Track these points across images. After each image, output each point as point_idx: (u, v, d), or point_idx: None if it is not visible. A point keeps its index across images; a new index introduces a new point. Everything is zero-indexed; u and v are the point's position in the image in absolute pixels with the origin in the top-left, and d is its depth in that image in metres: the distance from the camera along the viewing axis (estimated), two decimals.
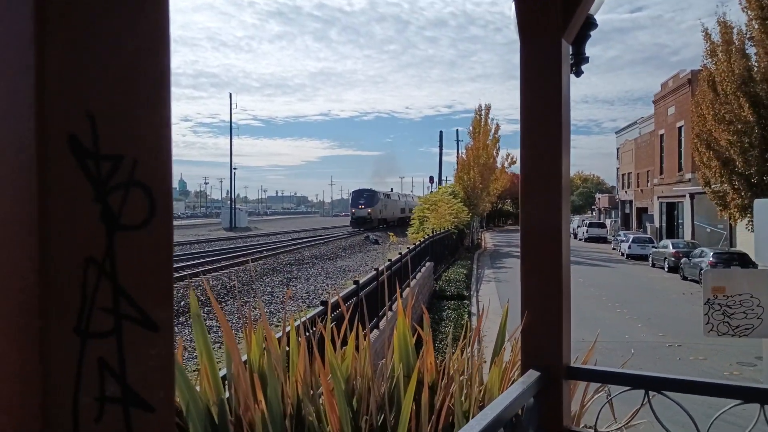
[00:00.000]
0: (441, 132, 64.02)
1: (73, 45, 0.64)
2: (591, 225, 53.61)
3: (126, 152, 0.69)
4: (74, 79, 0.64)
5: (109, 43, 0.67)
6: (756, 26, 20.89)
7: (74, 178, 0.64)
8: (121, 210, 0.68)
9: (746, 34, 21.59)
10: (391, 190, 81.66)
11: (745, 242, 26.08)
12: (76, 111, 0.64)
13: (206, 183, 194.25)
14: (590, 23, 4.22)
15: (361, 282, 8.53)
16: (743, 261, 22.38)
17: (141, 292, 0.70)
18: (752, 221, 18.94)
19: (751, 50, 21.60)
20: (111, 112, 0.67)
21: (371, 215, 60.59)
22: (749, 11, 20.92)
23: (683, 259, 26.22)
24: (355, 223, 61.02)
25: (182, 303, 15.21)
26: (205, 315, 13.59)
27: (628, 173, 56.59)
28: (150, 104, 0.72)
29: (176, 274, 20.09)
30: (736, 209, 22.35)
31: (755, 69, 21.14)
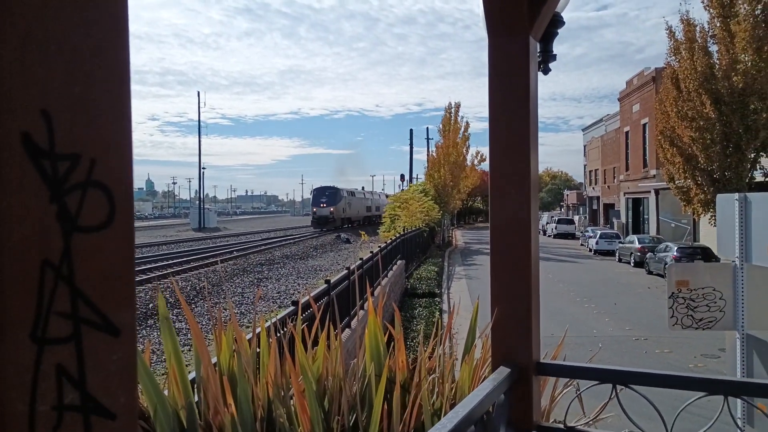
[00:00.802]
0: (411, 130, 63.78)
1: (25, 40, 0.62)
2: (560, 221, 54.30)
3: (83, 151, 0.67)
4: (27, 75, 0.62)
5: (65, 39, 0.65)
6: (718, 24, 21.39)
7: (28, 178, 0.62)
8: (78, 211, 0.66)
9: (708, 32, 22.10)
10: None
11: (708, 237, 26.72)
12: (29, 108, 0.62)
13: (174, 183, 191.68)
14: (557, 21, 4.26)
15: (332, 281, 8.50)
16: (706, 255, 22.96)
17: (101, 296, 0.68)
18: (715, 216, 19.40)
19: (713, 48, 22.12)
20: (67, 109, 0.65)
21: (334, 214, 56.83)
22: (711, 9, 21.43)
23: (648, 254, 26.76)
24: (317, 223, 57.15)
25: (150, 305, 14.97)
26: (175, 317, 13.40)
27: (595, 170, 57.51)
28: (109, 102, 0.69)
29: (144, 276, 19.79)
30: (699, 204, 22.87)
31: (717, 66, 21.65)
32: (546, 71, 4.48)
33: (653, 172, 37.77)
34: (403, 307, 16.18)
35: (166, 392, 2.52)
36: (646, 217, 41.05)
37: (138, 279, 19.11)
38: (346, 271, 10.08)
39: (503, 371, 2.46)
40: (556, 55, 4.64)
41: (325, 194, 58.13)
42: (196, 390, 2.62)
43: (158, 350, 9.43)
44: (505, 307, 2.65)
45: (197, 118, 62.88)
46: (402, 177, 61.64)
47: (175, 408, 2.49)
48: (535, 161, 2.72)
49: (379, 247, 17.48)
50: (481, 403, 2.10)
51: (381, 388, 2.62)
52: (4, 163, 0.60)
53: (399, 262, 19.81)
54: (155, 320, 13.36)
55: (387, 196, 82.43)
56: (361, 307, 11.01)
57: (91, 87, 0.67)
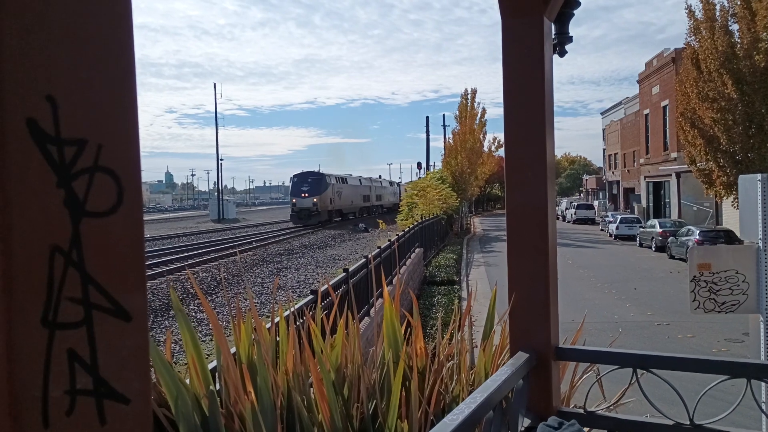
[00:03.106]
0: (427, 117, 63.06)
1: (29, 26, 0.61)
2: (579, 207, 53.82)
3: (90, 136, 0.67)
4: (32, 60, 0.62)
5: (69, 24, 0.65)
6: (738, 2, 20.96)
7: (34, 163, 0.62)
8: (86, 196, 0.66)
9: (729, 10, 21.65)
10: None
11: (731, 219, 26.33)
12: (34, 93, 0.62)
13: (193, 175, 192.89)
14: (573, 1, 4.18)
15: (350, 270, 8.52)
16: (729, 238, 22.60)
17: (111, 281, 0.68)
18: (738, 198, 19.10)
19: (734, 27, 21.67)
20: (73, 95, 0.65)
21: (318, 206, 46.47)
22: None
23: (670, 238, 26.43)
24: (297, 217, 46.56)
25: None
26: (196, 307, 13.55)
27: (615, 154, 56.86)
28: (114, 87, 0.69)
29: (166, 268, 20.01)
30: (721, 187, 22.52)
31: (738, 45, 21.21)
32: (562, 53, 4.40)
33: (674, 155, 37.24)
34: (422, 295, 16.18)
35: (188, 381, 2.55)
36: (667, 200, 40.53)
37: (159, 270, 19.35)
38: (364, 259, 10.09)
39: (522, 356, 2.45)
40: (572, 36, 4.55)
41: (307, 181, 48.07)
42: (217, 378, 2.64)
43: (181, 340, 9.55)
44: (523, 292, 2.63)
45: (214, 110, 63.16)
46: (419, 165, 61.14)
47: (197, 396, 2.52)
48: (551, 145, 2.69)
49: (397, 235, 17.49)
50: (499, 389, 2.09)
51: (399, 375, 2.63)
52: (9, 148, 0.60)
53: (417, 250, 19.80)
54: (174, 312, 13.48)
55: (392, 183, 75.51)
56: (380, 296, 11.05)
57: (96, 72, 0.67)
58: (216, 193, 74.21)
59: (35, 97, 0.62)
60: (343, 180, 54.52)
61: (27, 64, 0.61)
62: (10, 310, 0.59)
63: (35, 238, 0.62)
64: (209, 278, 18.86)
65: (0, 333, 0.59)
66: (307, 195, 46.83)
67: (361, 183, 60.64)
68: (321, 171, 50.95)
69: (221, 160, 66.92)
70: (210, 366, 2.67)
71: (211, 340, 9.38)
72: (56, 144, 0.63)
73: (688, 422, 2.41)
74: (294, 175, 50.14)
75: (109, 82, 0.68)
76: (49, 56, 0.63)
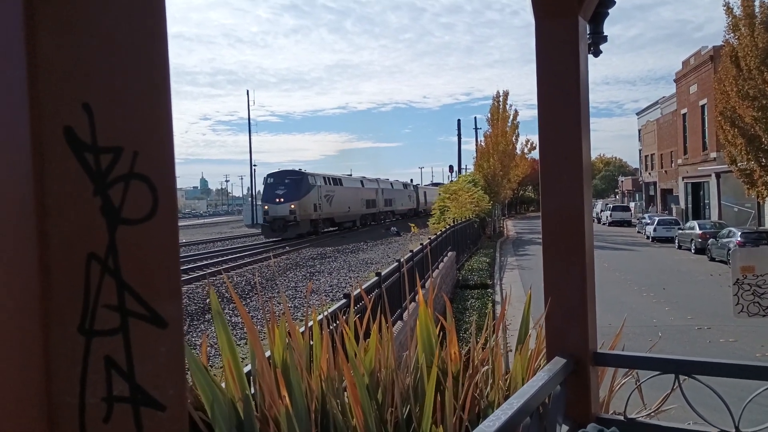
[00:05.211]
0: (459, 120, 62.67)
1: (66, 35, 0.62)
2: (615, 208, 52.94)
3: (125, 144, 0.67)
4: (68, 69, 0.62)
5: (105, 33, 0.65)
6: None
7: (72, 171, 0.62)
8: (122, 204, 0.66)
9: None
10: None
11: None
12: (71, 102, 0.62)
13: (227, 181, 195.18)
14: (608, 0, 4.12)
15: (383, 274, 8.51)
16: None
17: (147, 288, 0.68)
18: None
19: None
20: (109, 103, 0.65)
21: (296, 213, 36.22)
22: None
23: (710, 240, 25.78)
24: (270, 228, 36.47)
25: (207, 300, 15.35)
26: (231, 311, 13.70)
27: (651, 154, 55.80)
28: (149, 95, 0.70)
29: (201, 272, 20.32)
30: (763, 187, 21.94)
31: None
32: (596, 53, 4.35)
33: (713, 154, 36.34)
34: (454, 299, 16.10)
35: (223, 384, 2.57)
36: (706, 201, 39.57)
37: (195, 275, 19.65)
38: (397, 263, 10.08)
39: (559, 362, 2.40)
40: (606, 36, 4.50)
41: (284, 183, 37.52)
42: (252, 382, 2.66)
43: (216, 344, 9.65)
44: (560, 296, 2.59)
45: (247, 117, 63.98)
46: (450, 168, 60.77)
47: (232, 400, 2.54)
48: (587, 146, 2.64)
49: (429, 239, 17.43)
50: (536, 394, 2.06)
51: (432, 379, 2.60)
52: (47, 157, 0.60)
53: (450, 253, 19.71)
54: (212, 315, 13.65)
55: (408, 185, 67.17)
56: (413, 300, 11.02)
57: (131, 80, 0.68)
58: (249, 199, 75.05)
59: (72, 106, 0.62)
60: (335, 181, 43.61)
61: (64, 72, 0.62)
62: (48, 318, 0.60)
63: (72, 246, 0.62)
64: (243, 282, 19.07)
65: (38, 340, 0.60)
66: (282, 200, 36.55)
67: (363, 185, 49.54)
68: (303, 170, 40.46)
69: (255, 165, 67.83)
70: (245, 370, 2.69)
71: (246, 343, 9.47)
72: (93, 152, 0.64)
73: (733, 430, 2.34)
74: (268, 175, 39.16)
75: (144, 89, 0.69)
76: (85, 65, 0.63)
